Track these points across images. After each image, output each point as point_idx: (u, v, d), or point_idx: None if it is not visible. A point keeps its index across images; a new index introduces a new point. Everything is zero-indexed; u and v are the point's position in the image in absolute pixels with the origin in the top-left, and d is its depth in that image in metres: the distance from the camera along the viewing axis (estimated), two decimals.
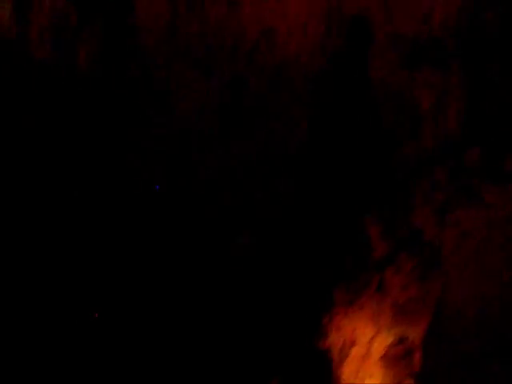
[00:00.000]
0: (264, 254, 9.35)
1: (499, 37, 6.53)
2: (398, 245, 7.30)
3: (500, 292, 5.16)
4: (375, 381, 6.75)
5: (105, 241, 8.32)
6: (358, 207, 8.11)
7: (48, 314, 6.69)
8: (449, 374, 5.44)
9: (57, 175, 8.84)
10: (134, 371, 5.40)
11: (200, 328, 7.85)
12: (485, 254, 5.29)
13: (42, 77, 8.03)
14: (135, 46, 8.46)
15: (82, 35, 7.96)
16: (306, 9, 8.36)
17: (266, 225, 9.66)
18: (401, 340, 6.80)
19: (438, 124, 6.95)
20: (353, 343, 7.69)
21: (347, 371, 7.72)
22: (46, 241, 8.18)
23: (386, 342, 7.20)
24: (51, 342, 6.07)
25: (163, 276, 8.13)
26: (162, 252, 8.46)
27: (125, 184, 9.04)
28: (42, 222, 8.42)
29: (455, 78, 6.54)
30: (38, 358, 5.73)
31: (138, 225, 8.66)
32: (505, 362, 5.06)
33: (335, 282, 8.24)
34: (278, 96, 9.56)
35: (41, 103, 8.25)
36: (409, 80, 7.23)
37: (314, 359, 8.22)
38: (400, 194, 7.46)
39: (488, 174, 5.42)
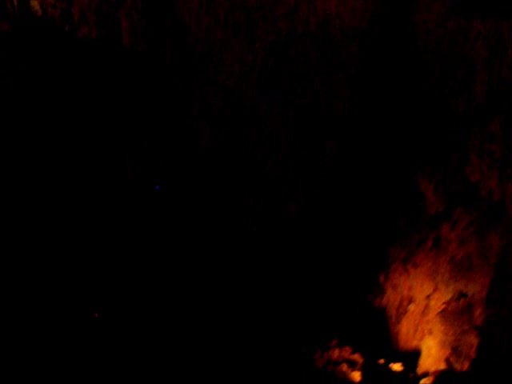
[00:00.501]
0: (314, 217, 9.38)
1: None
2: (453, 200, 7.17)
3: None
4: (435, 337, 6.72)
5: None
6: (410, 163, 7.99)
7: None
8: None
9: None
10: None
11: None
12: None
13: (87, 54, 8.13)
14: (175, 17, 8.44)
15: (122, 9, 7.98)
16: None
17: (313, 186, 9.66)
18: (460, 296, 6.72)
19: (491, 73, 6.68)
20: (410, 300, 7.71)
21: (405, 329, 7.77)
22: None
23: (443, 298, 7.14)
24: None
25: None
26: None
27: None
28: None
29: (508, 25, 6.25)
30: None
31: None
32: None
33: (390, 240, 8.23)
34: (320, 56, 9.40)
35: (87, 80, 8.37)
36: (458, 30, 6.95)
37: (371, 318, 8.30)
38: (453, 148, 7.28)
39: None
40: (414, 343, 7.52)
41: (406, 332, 7.71)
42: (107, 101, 8.50)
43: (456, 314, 6.67)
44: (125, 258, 7.67)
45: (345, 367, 6.36)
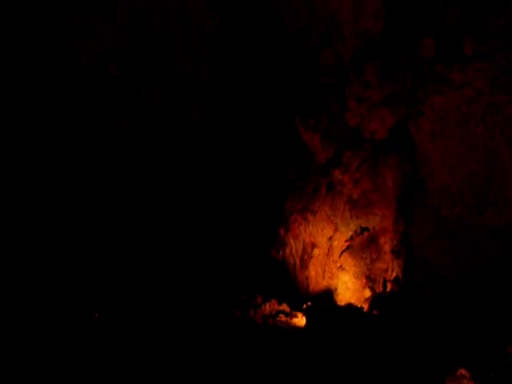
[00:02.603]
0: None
1: None
2: (340, 146, 7.82)
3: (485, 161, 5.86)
4: (348, 272, 7.36)
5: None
6: (289, 117, 8.45)
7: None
8: (433, 244, 6.16)
9: None
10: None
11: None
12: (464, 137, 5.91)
13: None
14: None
15: None
16: None
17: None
18: (362, 230, 7.40)
19: (357, 24, 7.30)
20: (313, 246, 8.27)
21: (313, 273, 8.35)
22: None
23: (345, 237, 7.77)
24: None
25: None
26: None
27: None
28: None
29: None
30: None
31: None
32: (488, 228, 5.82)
33: (285, 195, 8.70)
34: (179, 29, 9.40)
35: None
36: None
37: (278, 269, 8.77)
38: (332, 97, 7.89)
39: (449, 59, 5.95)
40: (324, 283, 8.11)
41: (315, 275, 8.28)
42: None
43: (363, 247, 7.35)
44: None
45: (283, 317, 6.72)
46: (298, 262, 8.68)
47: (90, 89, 8.61)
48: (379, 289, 6.98)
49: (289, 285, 8.50)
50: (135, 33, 8.74)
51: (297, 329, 6.32)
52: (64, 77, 8.50)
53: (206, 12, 8.86)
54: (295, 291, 8.33)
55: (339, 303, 7.36)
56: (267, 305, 7.00)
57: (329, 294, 7.86)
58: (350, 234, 7.72)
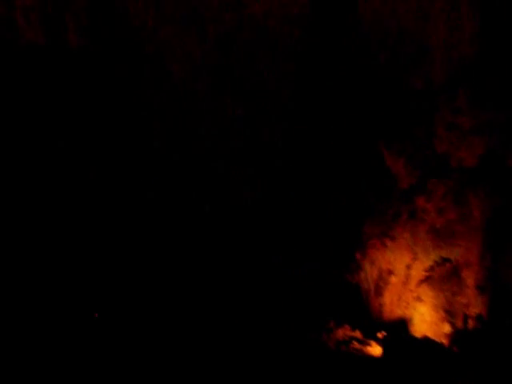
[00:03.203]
0: (279, 201, 9.50)
1: None
2: (425, 173, 7.61)
3: None
4: (426, 303, 7.12)
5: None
6: (373, 142, 8.32)
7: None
8: None
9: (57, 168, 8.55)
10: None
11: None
12: None
13: (32, 59, 7.58)
14: (122, 14, 8.10)
15: (69, 8, 7.51)
16: None
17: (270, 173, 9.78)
18: (443, 261, 7.15)
19: (450, 49, 7.09)
20: (390, 272, 8.07)
21: (388, 300, 8.14)
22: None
23: (424, 266, 7.54)
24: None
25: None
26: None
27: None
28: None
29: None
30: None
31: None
32: None
33: (363, 218, 8.55)
34: (265, 48, 9.50)
35: (34, 86, 7.82)
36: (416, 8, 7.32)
37: (351, 294, 8.61)
38: (419, 123, 7.70)
39: None
40: (399, 312, 7.87)
41: (390, 302, 8.06)
42: None
43: (444, 278, 7.09)
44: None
45: (357, 344, 6.58)
46: (372, 288, 8.47)
47: (177, 100, 8.85)
48: (459, 324, 6.70)
49: (361, 310, 8.33)
50: (223, 49, 8.93)
51: (371, 358, 6.15)
52: (154, 87, 8.79)
53: (287, 30, 8.93)
54: (367, 317, 8.14)
55: (414, 334, 7.13)
56: (340, 330, 6.87)
57: (403, 323, 7.63)
58: (430, 263, 7.47)
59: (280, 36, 9.40)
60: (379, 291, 8.26)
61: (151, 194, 8.70)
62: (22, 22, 7.18)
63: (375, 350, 6.38)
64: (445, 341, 6.27)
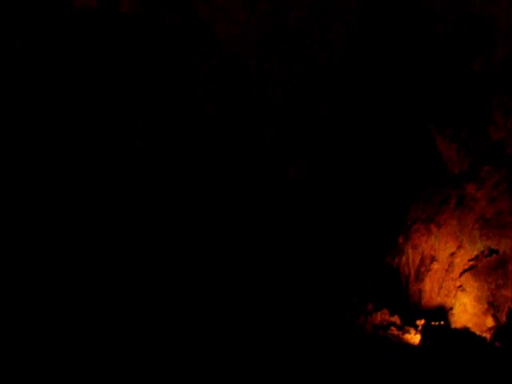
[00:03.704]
0: (322, 181, 9.40)
1: None
2: (478, 159, 7.34)
3: None
4: (469, 294, 6.95)
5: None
6: (426, 126, 8.07)
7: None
8: None
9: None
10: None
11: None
12: None
13: (85, 23, 7.59)
14: None
15: None
16: None
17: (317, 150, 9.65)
18: (490, 252, 6.94)
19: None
20: (432, 259, 7.90)
21: (428, 287, 7.98)
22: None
23: (468, 255, 7.33)
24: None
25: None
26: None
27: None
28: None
29: None
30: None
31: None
32: None
33: (409, 202, 8.37)
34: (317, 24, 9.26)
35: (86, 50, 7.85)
36: None
37: (390, 277, 8.49)
38: (475, 108, 7.41)
39: None
40: (439, 300, 7.72)
41: (430, 289, 7.90)
42: None
43: (489, 269, 6.88)
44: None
45: (395, 331, 6.50)
46: (412, 273, 8.33)
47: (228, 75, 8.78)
48: (502, 318, 6.52)
49: (400, 295, 8.21)
50: (275, 24, 8.75)
51: (409, 346, 6.07)
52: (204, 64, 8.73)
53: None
54: (406, 303, 8.03)
55: (454, 325, 6.99)
56: (378, 314, 6.79)
57: (442, 311, 7.49)
58: (476, 253, 7.26)
59: (333, 12, 9.15)
60: (420, 277, 8.11)
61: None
62: None
63: (414, 338, 6.29)
64: (487, 334, 6.11)
